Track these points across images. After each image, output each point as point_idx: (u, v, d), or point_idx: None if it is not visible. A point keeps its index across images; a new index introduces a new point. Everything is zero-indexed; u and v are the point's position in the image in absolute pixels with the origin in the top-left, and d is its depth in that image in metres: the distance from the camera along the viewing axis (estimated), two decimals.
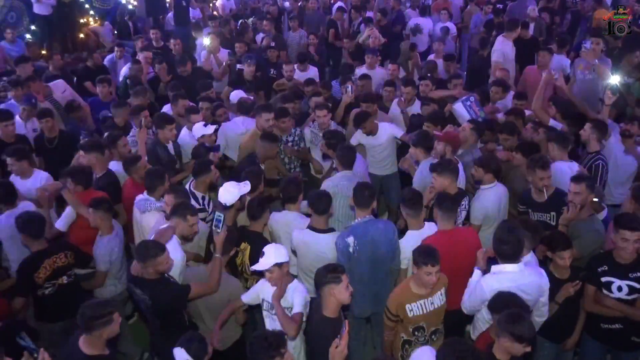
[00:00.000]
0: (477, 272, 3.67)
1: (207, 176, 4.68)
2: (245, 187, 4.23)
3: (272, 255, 3.58)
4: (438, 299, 3.63)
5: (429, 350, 3.01)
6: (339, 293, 3.25)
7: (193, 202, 4.49)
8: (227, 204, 4.20)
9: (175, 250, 3.84)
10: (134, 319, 5.16)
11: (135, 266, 3.67)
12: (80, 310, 3.14)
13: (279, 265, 3.57)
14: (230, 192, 4.20)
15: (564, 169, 4.67)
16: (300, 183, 4.53)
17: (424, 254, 3.46)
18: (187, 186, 4.79)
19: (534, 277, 3.51)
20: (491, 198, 4.53)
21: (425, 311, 3.58)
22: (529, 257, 3.78)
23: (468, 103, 5.81)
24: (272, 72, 7.60)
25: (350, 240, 3.93)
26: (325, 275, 3.27)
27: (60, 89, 7.23)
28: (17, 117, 6.03)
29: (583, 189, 4.04)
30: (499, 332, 3.00)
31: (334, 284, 3.24)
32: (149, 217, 4.37)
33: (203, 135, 5.42)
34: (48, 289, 4.04)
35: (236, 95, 6.60)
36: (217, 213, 3.88)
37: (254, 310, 4.06)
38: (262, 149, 5.22)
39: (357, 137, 5.87)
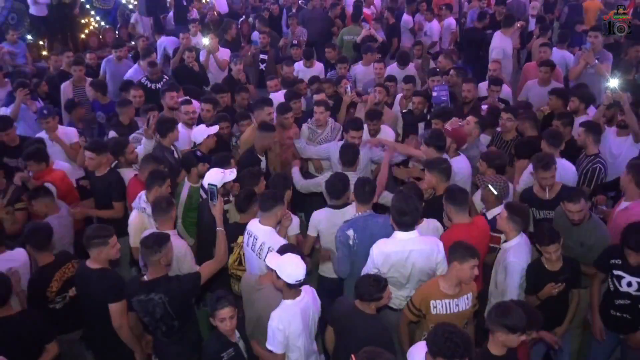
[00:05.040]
0: None
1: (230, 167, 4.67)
2: (231, 174, 4.23)
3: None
4: (464, 303, 3.59)
5: (424, 344, 3.01)
6: (381, 303, 3.45)
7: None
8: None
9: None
10: None
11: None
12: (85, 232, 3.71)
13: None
14: (214, 177, 4.20)
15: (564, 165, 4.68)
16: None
17: (465, 248, 3.46)
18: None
19: (425, 245, 3.70)
20: None
21: (448, 311, 3.55)
22: (518, 239, 3.84)
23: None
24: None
25: (350, 233, 3.96)
26: (372, 294, 3.35)
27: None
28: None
29: (583, 204, 3.96)
30: (492, 327, 3.03)
31: (376, 302, 3.39)
32: (132, 214, 4.43)
33: (209, 136, 5.21)
34: (58, 303, 3.90)
35: None
36: (209, 185, 3.85)
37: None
38: (259, 139, 5.23)
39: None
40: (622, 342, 4.02)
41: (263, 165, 5.28)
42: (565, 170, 4.69)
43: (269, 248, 3.82)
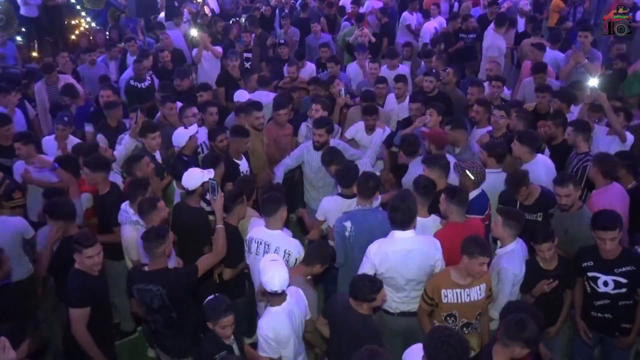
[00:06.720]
0: None
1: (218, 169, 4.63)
2: (209, 174, 4.23)
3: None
4: (476, 293, 3.60)
5: (420, 347, 2.96)
6: (374, 304, 3.46)
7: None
8: (190, 189, 4.28)
9: None
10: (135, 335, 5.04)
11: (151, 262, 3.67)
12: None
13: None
14: (193, 176, 4.24)
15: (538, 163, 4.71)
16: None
17: (477, 244, 3.46)
18: None
19: (423, 244, 3.70)
20: (493, 182, 4.54)
21: (459, 301, 3.58)
22: (513, 245, 3.84)
23: None
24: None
25: (348, 224, 3.99)
26: (365, 295, 3.35)
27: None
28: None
29: (572, 189, 4.02)
30: (508, 340, 2.93)
31: (369, 303, 3.40)
32: (124, 229, 4.32)
33: (190, 138, 5.11)
34: None
35: (240, 95, 6.35)
36: (210, 180, 3.85)
37: None
38: (233, 144, 5.20)
39: (353, 132, 5.85)
40: (603, 342, 4.01)
41: (244, 167, 5.25)
42: (539, 166, 4.70)
43: (285, 251, 3.87)
